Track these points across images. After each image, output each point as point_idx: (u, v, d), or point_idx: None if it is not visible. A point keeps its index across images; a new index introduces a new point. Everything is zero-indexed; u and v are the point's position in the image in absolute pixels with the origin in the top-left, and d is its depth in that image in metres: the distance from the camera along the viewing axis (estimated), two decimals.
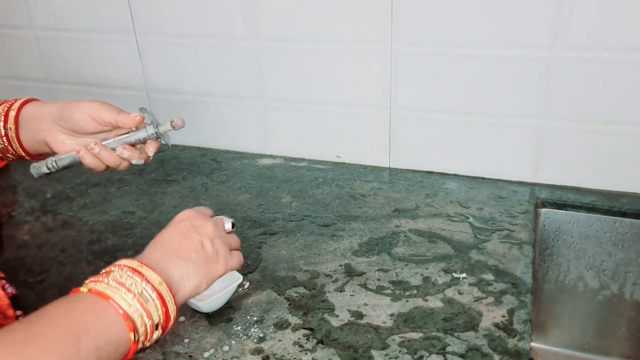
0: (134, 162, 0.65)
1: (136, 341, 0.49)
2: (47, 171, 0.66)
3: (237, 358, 0.60)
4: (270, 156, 1.09)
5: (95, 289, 0.48)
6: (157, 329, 0.51)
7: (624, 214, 0.86)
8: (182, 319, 0.66)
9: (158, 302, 0.50)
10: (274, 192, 0.96)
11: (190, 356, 0.61)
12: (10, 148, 0.66)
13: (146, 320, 0.49)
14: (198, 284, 0.56)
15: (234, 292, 0.69)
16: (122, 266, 0.51)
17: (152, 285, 0.50)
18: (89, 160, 0.65)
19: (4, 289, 0.57)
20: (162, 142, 0.66)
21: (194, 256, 0.56)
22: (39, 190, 0.99)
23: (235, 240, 0.64)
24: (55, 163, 0.66)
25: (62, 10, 1.09)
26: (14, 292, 0.57)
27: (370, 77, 0.94)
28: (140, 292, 0.49)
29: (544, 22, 0.81)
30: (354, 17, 0.90)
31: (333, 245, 0.80)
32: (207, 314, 0.67)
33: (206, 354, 0.61)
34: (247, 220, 0.87)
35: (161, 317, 0.51)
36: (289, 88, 1.01)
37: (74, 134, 0.65)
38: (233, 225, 0.64)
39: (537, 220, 0.89)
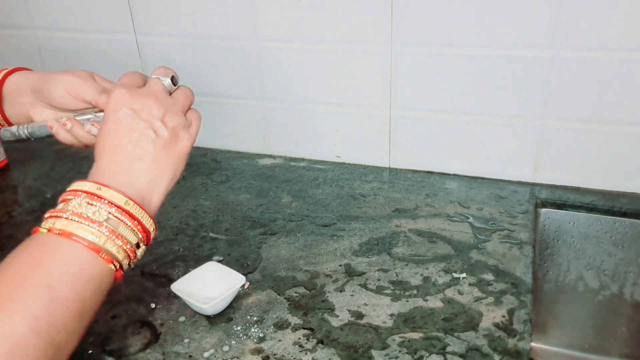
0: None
1: (119, 268, 0.46)
2: (16, 137, 0.61)
3: (237, 358, 0.60)
4: (270, 156, 1.09)
5: (55, 227, 0.45)
6: (138, 247, 0.48)
7: (624, 214, 0.86)
8: (182, 319, 0.66)
9: (130, 223, 0.46)
10: (274, 192, 0.96)
11: (190, 356, 0.61)
12: None
13: (123, 246, 0.46)
14: (171, 176, 0.52)
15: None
16: (77, 192, 0.46)
17: (118, 207, 0.46)
18: (62, 136, 0.59)
19: None
20: None
21: (152, 148, 0.50)
22: (39, 190, 0.99)
23: (183, 96, 0.56)
24: (27, 130, 0.60)
25: (62, 10, 1.09)
26: None
27: (370, 77, 0.94)
28: (106, 218, 0.45)
29: (544, 22, 0.81)
30: (354, 17, 0.90)
31: (333, 245, 0.80)
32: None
33: (206, 354, 0.61)
34: (247, 220, 0.87)
35: (139, 235, 0.47)
36: (289, 88, 1.01)
37: (55, 109, 0.60)
38: (174, 80, 0.56)
39: (537, 220, 0.89)
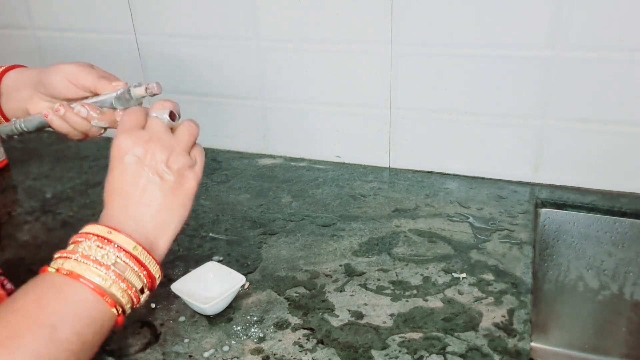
0: (93, 123, 0.58)
1: (121, 313, 0.46)
2: (15, 132, 0.61)
3: (237, 358, 0.60)
4: (270, 156, 1.09)
5: (64, 268, 0.45)
6: (142, 292, 0.48)
7: (624, 214, 0.86)
8: (182, 319, 0.66)
9: (137, 268, 0.47)
10: (274, 192, 0.96)
11: (190, 356, 0.61)
12: None
13: (127, 290, 0.46)
14: (179, 218, 0.52)
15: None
16: (89, 235, 0.47)
17: (126, 252, 0.46)
18: (57, 124, 0.58)
19: (2, 285, 0.57)
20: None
21: (158, 194, 0.50)
22: (39, 190, 0.99)
23: (188, 134, 0.54)
24: (22, 125, 0.61)
25: (62, 10, 1.09)
26: (12, 288, 0.57)
27: (370, 77, 0.94)
28: (114, 262, 0.46)
29: (544, 22, 0.81)
30: (354, 17, 0.90)
31: (333, 245, 0.80)
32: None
33: (206, 354, 0.61)
34: (247, 220, 0.87)
35: (144, 281, 0.48)
36: (289, 88, 1.01)
37: (54, 100, 0.60)
38: (172, 116, 0.54)
39: (537, 220, 0.89)
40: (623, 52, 0.80)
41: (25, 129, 0.61)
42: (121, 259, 0.46)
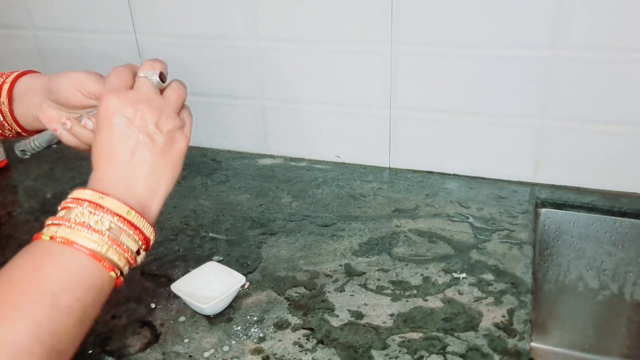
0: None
1: (119, 275, 0.47)
2: (30, 151, 0.61)
3: (237, 358, 0.60)
4: (270, 156, 1.09)
5: (58, 235, 0.45)
6: (139, 253, 0.48)
7: (624, 214, 0.86)
8: (182, 319, 0.66)
9: (131, 231, 0.47)
10: (274, 192, 0.96)
11: (190, 356, 0.61)
12: (5, 123, 0.62)
13: (124, 253, 0.46)
14: (170, 179, 0.51)
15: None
16: (80, 201, 0.46)
17: (119, 216, 0.46)
18: (66, 138, 0.58)
19: None
20: None
21: (149, 156, 0.50)
22: (39, 190, 0.99)
23: (176, 95, 0.54)
24: (35, 142, 0.60)
25: (62, 10, 1.09)
26: None
27: (370, 77, 0.94)
28: (108, 227, 0.46)
29: (544, 22, 0.81)
30: (354, 17, 0.90)
31: (333, 245, 0.80)
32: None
33: (206, 354, 0.61)
34: (247, 220, 0.87)
35: (139, 242, 0.48)
36: (289, 88, 1.01)
37: (62, 108, 0.60)
38: (162, 77, 0.53)
39: (537, 220, 0.89)
40: (623, 52, 0.80)
41: (38, 145, 0.61)
42: (115, 224, 0.46)
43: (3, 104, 0.61)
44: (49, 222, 0.47)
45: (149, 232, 0.49)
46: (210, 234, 0.84)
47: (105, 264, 0.45)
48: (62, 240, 0.45)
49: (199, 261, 0.75)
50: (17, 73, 0.62)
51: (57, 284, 0.43)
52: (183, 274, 0.70)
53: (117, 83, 0.52)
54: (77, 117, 0.59)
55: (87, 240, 0.45)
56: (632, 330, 0.93)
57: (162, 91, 0.54)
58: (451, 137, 0.94)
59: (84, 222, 0.45)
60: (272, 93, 1.02)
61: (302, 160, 1.06)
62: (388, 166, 1.02)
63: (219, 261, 0.75)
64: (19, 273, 0.43)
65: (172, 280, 0.69)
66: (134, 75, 0.54)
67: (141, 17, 1.04)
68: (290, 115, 1.03)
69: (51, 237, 0.45)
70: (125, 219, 0.47)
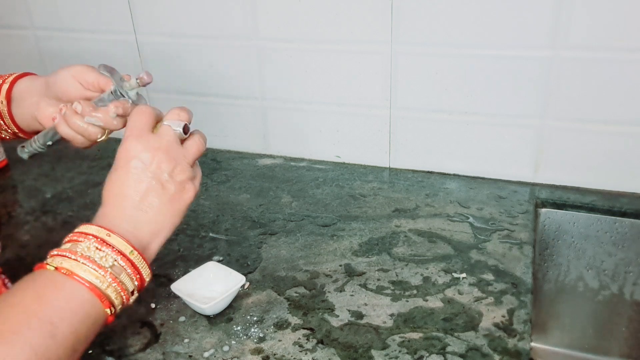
0: (86, 119, 0.58)
1: (113, 313, 0.48)
2: (32, 151, 0.62)
3: (237, 358, 0.60)
4: (270, 156, 1.09)
5: (63, 267, 0.46)
6: (132, 294, 0.50)
7: (624, 214, 0.86)
8: (182, 319, 0.66)
9: (131, 271, 0.48)
10: (274, 192, 0.96)
11: (190, 356, 0.61)
12: (2, 123, 0.63)
13: (121, 293, 0.48)
14: (172, 226, 0.53)
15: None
16: (88, 236, 0.48)
17: (123, 255, 0.48)
18: (64, 130, 0.59)
19: (4, 284, 0.57)
20: (129, 101, 0.59)
21: (157, 202, 0.52)
22: (39, 190, 0.99)
23: (196, 148, 0.56)
24: (37, 141, 0.61)
25: (62, 10, 1.09)
26: None
27: (370, 77, 0.94)
28: (111, 265, 0.47)
29: (544, 22, 0.81)
30: (354, 17, 0.90)
31: (333, 245, 0.80)
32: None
33: (206, 354, 0.61)
34: (247, 220, 0.87)
35: (136, 283, 0.49)
36: (289, 88, 1.01)
37: (61, 102, 0.61)
38: (185, 129, 0.55)
39: (537, 220, 0.89)
40: (623, 52, 0.80)
41: (39, 144, 0.62)
42: (118, 262, 0.48)
43: (2, 103, 0.62)
44: (53, 252, 0.48)
45: (146, 273, 0.50)
46: (210, 234, 0.84)
47: (103, 300, 0.46)
48: (66, 272, 0.46)
49: (199, 261, 0.75)
50: (16, 75, 0.64)
51: (57, 314, 0.44)
52: (183, 274, 0.70)
53: (139, 125, 0.53)
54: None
55: (91, 275, 0.46)
56: (632, 330, 0.93)
57: (182, 140, 0.55)
58: (451, 137, 0.94)
59: (89, 257, 0.47)
60: (272, 93, 1.02)
61: (302, 160, 1.06)
62: (388, 166, 1.02)
63: (219, 261, 0.75)
64: (21, 298, 0.44)
65: (172, 280, 0.69)
66: (157, 118, 0.55)
67: (141, 17, 1.04)
68: (290, 115, 1.03)
69: (56, 268, 0.46)
70: (127, 259, 0.48)
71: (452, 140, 0.95)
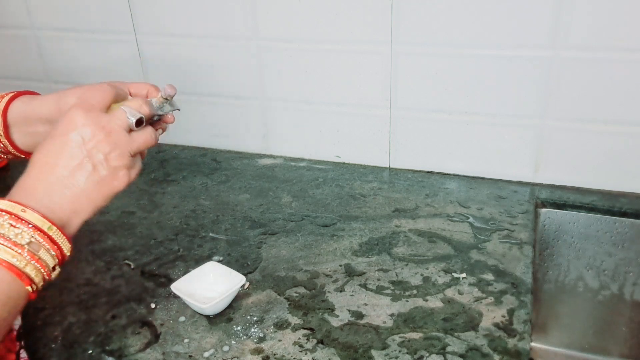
0: None
1: (35, 290, 0.47)
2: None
3: (237, 358, 0.60)
4: (270, 156, 1.09)
5: None
6: (54, 270, 0.48)
7: (624, 214, 0.86)
8: (182, 319, 0.66)
9: (50, 247, 0.47)
10: (274, 192, 0.96)
11: (190, 356, 0.61)
12: (0, 144, 0.60)
13: (41, 270, 0.46)
14: (93, 209, 0.51)
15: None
16: (2, 212, 0.46)
17: (41, 231, 0.46)
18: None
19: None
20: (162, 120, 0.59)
21: (83, 181, 0.50)
22: None
23: (143, 141, 0.54)
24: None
25: (62, 10, 1.09)
26: None
27: (370, 77, 0.94)
28: (28, 241, 0.45)
29: (544, 22, 0.81)
30: (354, 17, 0.90)
31: (333, 245, 0.80)
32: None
33: (206, 354, 0.61)
34: (247, 220, 0.87)
35: (56, 259, 0.48)
36: (289, 88, 1.01)
37: None
38: (139, 123, 0.53)
39: (537, 220, 0.89)
40: (623, 52, 0.80)
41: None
42: (35, 239, 0.46)
43: None
44: None
45: (67, 248, 0.49)
46: (210, 234, 0.84)
47: (23, 278, 0.45)
48: None
49: (199, 261, 0.75)
50: (8, 97, 0.59)
51: None
52: (183, 274, 0.70)
53: (92, 102, 0.52)
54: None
55: (7, 254, 0.44)
56: (632, 330, 0.93)
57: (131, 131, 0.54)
58: (451, 137, 0.94)
59: (3, 235, 0.45)
60: (272, 93, 1.02)
61: (302, 160, 1.06)
62: (388, 166, 1.02)
63: (219, 261, 0.75)
64: None
65: (172, 280, 0.69)
66: (117, 98, 0.54)
67: (141, 17, 1.04)
68: (290, 115, 1.03)
69: None
70: (45, 234, 0.47)
71: (452, 140, 0.95)
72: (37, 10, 1.11)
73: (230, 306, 0.68)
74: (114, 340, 0.64)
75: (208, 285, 0.68)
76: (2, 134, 0.59)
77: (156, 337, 0.64)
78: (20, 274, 0.45)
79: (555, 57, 0.83)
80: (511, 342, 0.61)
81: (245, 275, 0.69)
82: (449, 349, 0.60)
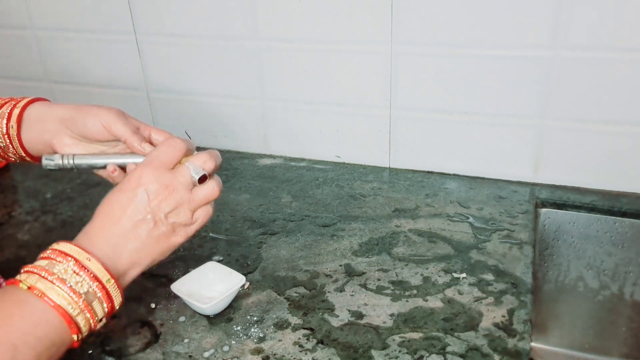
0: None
1: (78, 339, 0.47)
2: (60, 167, 0.62)
3: (237, 358, 0.60)
4: (270, 156, 1.09)
5: (37, 288, 0.45)
6: (100, 321, 0.49)
7: (624, 214, 0.86)
8: (182, 319, 0.66)
9: (104, 299, 0.48)
10: (274, 192, 0.96)
11: (190, 356, 0.61)
12: (11, 147, 0.64)
13: (90, 320, 0.47)
14: (151, 262, 0.53)
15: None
16: (67, 257, 0.47)
17: (100, 282, 0.47)
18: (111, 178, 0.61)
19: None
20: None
21: (145, 236, 0.52)
22: (39, 190, 0.99)
23: (204, 196, 0.56)
24: (74, 161, 0.61)
25: (62, 10, 1.09)
26: None
27: (370, 77, 0.94)
28: (86, 291, 0.46)
29: (544, 22, 0.81)
30: (354, 17, 0.90)
31: (333, 245, 0.80)
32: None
33: (206, 354, 0.61)
34: (247, 220, 0.87)
35: (106, 311, 0.49)
36: (289, 88, 1.01)
37: (82, 139, 0.62)
38: (202, 180, 0.55)
39: (537, 220, 0.89)
40: (623, 52, 0.80)
41: (74, 167, 0.62)
42: (92, 288, 0.47)
43: (12, 127, 0.62)
44: (28, 268, 0.47)
45: (118, 302, 0.50)
46: (210, 234, 0.84)
47: (72, 325, 0.46)
48: (39, 294, 0.45)
49: (199, 261, 0.75)
50: (28, 99, 0.64)
51: (21, 338, 0.43)
52: (183, 274, 0.70)
53: (163, 159, 0.55)
54: (119, 161, 0.60)
55: (64, 300, 0.45)
56: (632, 330, 0.93)
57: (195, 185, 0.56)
58: (451, 137, 0.94)
59: (65, 280, 0.46)
60: (272, 93, 1.02)
61: (302, 160, 1.06)
62: (388, 166, 1.02)
63: (219, 261, 0.75)
64: None
65: (172, 280, 0.69)
66: (185, 153, 0.56)
67: (141, 17, 1.04)
68: (290, 115, 1.03)
69: (29, 288, 0.45)
70: (103, 286, 0.48)
71: (452, 140, 0.95)
72: (37, 10, 1.11)
73: (230, 306, 0.68)
74: (114, 340, 0.64)
75: (208, 286, 0.68)
76: (15, 132, 0.62)
77: (156, 337, 0.64)
78: (71, 321, 0.46)
79: (556, 57, 0.83)
80: (511, 342, 0.61)
81: (245, 275, 0.69)
82: (449, 349, 0.60)
